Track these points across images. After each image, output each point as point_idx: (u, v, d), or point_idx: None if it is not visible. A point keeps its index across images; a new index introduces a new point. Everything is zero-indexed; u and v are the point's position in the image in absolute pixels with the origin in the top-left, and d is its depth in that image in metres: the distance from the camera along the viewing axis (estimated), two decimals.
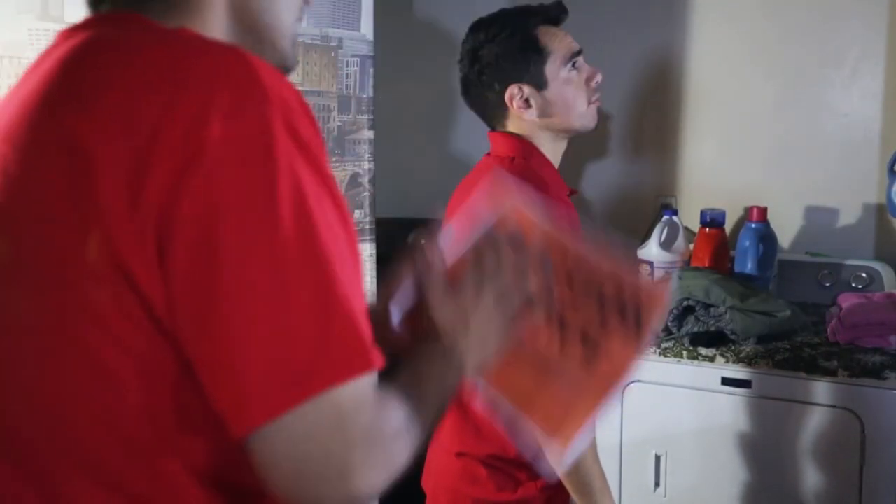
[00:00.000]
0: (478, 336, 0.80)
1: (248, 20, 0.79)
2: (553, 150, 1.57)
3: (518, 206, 0.85)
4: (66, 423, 0.66)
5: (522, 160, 1.52)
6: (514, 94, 1.53)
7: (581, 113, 1.53)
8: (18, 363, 0.68)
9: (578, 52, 1.54)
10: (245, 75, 0.65)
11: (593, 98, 1.55)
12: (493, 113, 1.59)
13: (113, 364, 0.64)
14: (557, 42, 1.52)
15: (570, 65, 1.53)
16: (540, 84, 1.52)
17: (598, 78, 1.55)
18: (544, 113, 1.53)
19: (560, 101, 1.52)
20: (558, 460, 0.77)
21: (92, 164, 0.63)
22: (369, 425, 0.63)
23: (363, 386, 0.63)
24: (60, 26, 1.68)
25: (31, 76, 0.74)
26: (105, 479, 0.66)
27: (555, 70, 1.52)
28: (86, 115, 0.65)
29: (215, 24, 0.77)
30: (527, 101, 1.53)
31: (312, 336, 0.62)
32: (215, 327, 0.61)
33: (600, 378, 0.81)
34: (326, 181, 0.66)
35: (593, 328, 0.82)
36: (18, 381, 0.68)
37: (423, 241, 0.84)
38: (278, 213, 0.62)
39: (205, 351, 0.62)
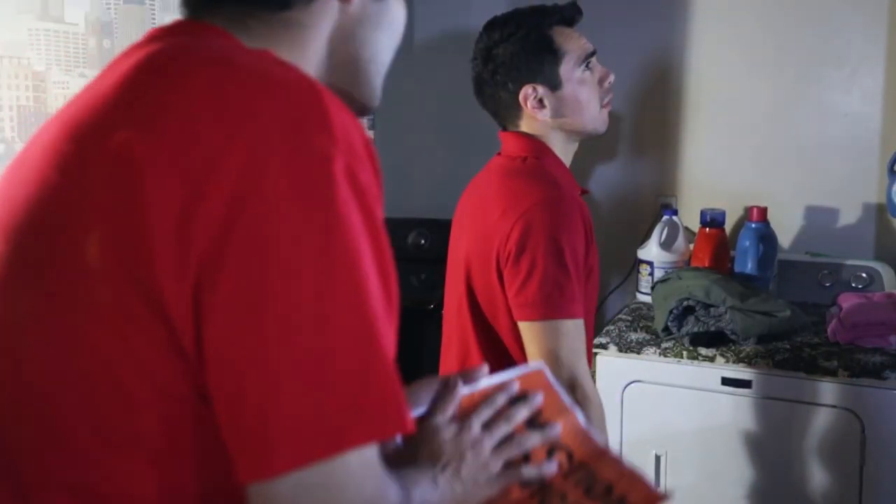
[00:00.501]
0: (467, 474, 0.79)
1: (346, 53, 0.78)
2: (565, 150, 1.57)
3: (551, 386, 0.87)
4: (78, 443, 0.65)
5: (535, 160, 1.53)
6: (528, 94, 1.53)
7: (593, 116, 1.54)
8: (35, 375, 0.66)
9: (592, 53, 1.54)
10: (315, 113, 0.63)
11: (605, 100, 1.55)
12: (505, 112, 1.59)
13: (132, 387, 0.63)
14: (572, 42, 1.52)
15: (584, 65, 1.53)
16: (554, 84, 1.52)
17: (611, 79, 1.55)
18: (557, 113, 1.53)
19: (573, 102, 1.53)
20: None
21: (142, 183, 0.61)
22: (372, 492, 0.62)
23: (374, 452, 0.62)
24: (60, 26, 1.69)
25: (109, 75, 0.72)
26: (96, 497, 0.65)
27: (569, 71, 1.52)
28: (144, 132, 0.62)
29: (310, 54, 0.75)
30: (540, 101, 1.53)
31: (350, 392, 0.60)
32: (251, 370, 0.59)
33: None
34: (377, 234, 0.64)
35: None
36: (34, 395, 0.67)
37: (453, 376, 0.84)
38: (329, 264, 0.60)
39: (233, 389, 0.60)
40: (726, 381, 1.91)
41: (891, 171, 2.18)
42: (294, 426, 0.59)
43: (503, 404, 0.83)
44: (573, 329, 1.40)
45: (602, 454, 0.84)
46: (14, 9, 1.54)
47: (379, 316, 0.62)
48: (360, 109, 0.82)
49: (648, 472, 1.99)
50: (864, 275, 2.25)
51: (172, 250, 0.60)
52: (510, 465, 0.81)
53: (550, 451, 0.83)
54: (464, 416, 0.81)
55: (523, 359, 1.42)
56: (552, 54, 1.51)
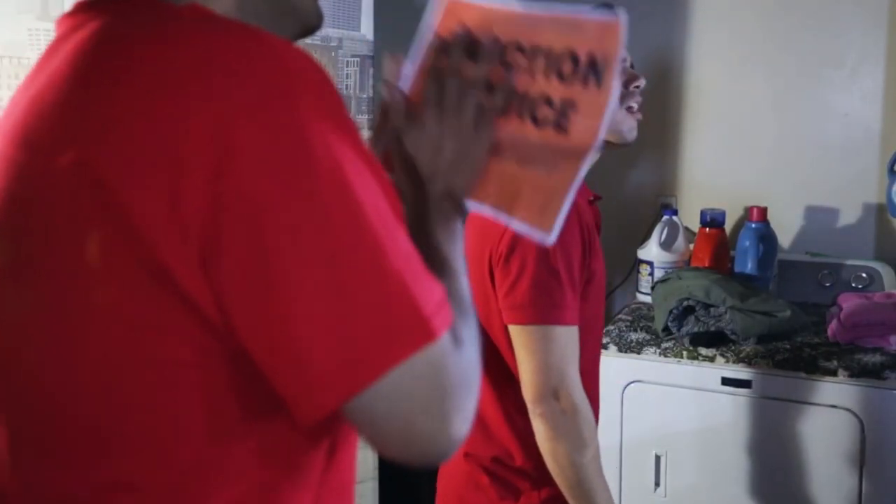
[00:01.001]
0: (457, 158, 0.79)
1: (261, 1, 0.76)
2: None
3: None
4: (119, 431, 0.66)
5: None
6: None
7: (613, 121, 1.46)
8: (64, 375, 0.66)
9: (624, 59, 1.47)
10: (268, 65, 0.63)
11: (629, 104, 1.46)
12: None
13: (165, 365, 0.64)
14: None
15: None
16: None
17: (638, 83, 1.46)
18: None
19: None
20: (546, 240, 0.77)
21: (116, 191, 0.61)
22: (450, 376, 0.65)
23: (433, 349, 0.64)
24: None
25: (41, 74, 0.71)
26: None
27: None
28: (99, 145, 0.62)
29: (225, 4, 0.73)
30: None
31: (373, 315, 0.62)
32: (277, 320, 0.61)
33: (575, 143, 0.77)
34: (363, 153, 0.65)
35: (555, 90, 0.78)
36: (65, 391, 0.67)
37: (382, 81, 0.82)
38: (322, 200, 0.61)
39: (268, 343, 0.62)
40: (726, 381, 1.91)
41: (891, 171, 2.18)
42: (330, 365, 0.61)
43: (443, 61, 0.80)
44: (563, 336, 1.35)
45: (539, 20, 0.78)
46: (14, 9, 1.54)
47: (384, 235, 0.63)
48: (303, 29, 0.79)
49: (648, 472, 1.99)
50: (864, 275, 2.25)
51: (170, 236, 0.60)
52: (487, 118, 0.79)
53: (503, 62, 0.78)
54: (417, 107, 0.80)
55: (515, 363, 1.40)
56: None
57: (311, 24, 0.79)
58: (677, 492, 2.00)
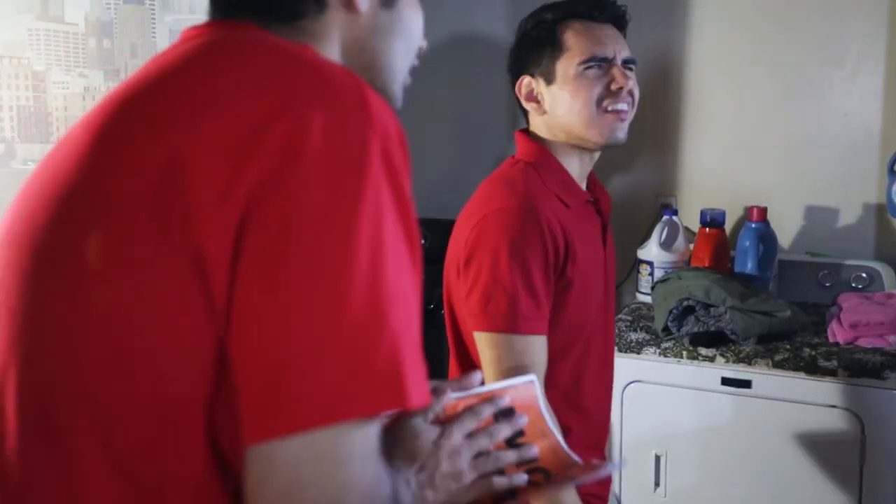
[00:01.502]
0: (440, 482, 0.79)
1: (361, 62, 0.80)
2: (569, 158, 1.48)
3: (537, 403, 0.88)
4: (114, 409, 0.66)
5: (525, 164, 1.46)
6: (521, 84, 1.47)
7: (586, 119, 1.41)
8: (82, 355, 0.67)
9: (604, 58, 1.41)
10: (355, 96, 0.67)
11: (609, 106, 1.41)
12: (519, 109, 1.53)
13: (163, 351, 0.65)
14: (581, 39, 1.41)
15: (585, 65, 1.41)
16: (549, 79, 1.44)
17: (624, 85, 1.41)
18: (552, 111, 1.44)
19: (564, 100, 1.42)
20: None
21: (188, 168, 0.63)
22: (371, 478, 0.63)
23: (375, 438, 0.63)
24: (60, 26, 1.69)
25: (151, 68, 0.74)
26: (126, 466, 0.66)
27: (567, 67, 1.41)
28: (192, 125, 0.65)
29: (331, 54, 0.79)
30: (535, 95, 1.46)
31: (356, 366, 0.62)
32: (266, 330, 0.61)
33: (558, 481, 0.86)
34: (406, 214, 0.67)
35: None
36: (77, 369, 0.68)
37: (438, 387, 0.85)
38: (355, 233, 0.63)
39: (247, 353, 0.62)
40: (726, 381, 1.91)
41: (891, 171, 2.18)
42: (298, 392, 0.60)
43: (487, 417, 0.84)
44: (517, 344, 1.33)
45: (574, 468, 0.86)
46: (14, 9, 1.54)
47: (396, 296, 0.64)
48: None
49: (648, 472, 1.99)
50: (864, 275, 2.25)
51: (219, 218, 0.62)
52: (483, 478, 0.82)
53: (529, 470, 0.85)
54: (448, 423, 0.82)
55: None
56: (552, 47, 1.43)
57: (397, 87, 0.85)
58: (677, 492, 2.00)
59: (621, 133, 1.44)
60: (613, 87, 1.41)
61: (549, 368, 1.39)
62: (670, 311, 1.98)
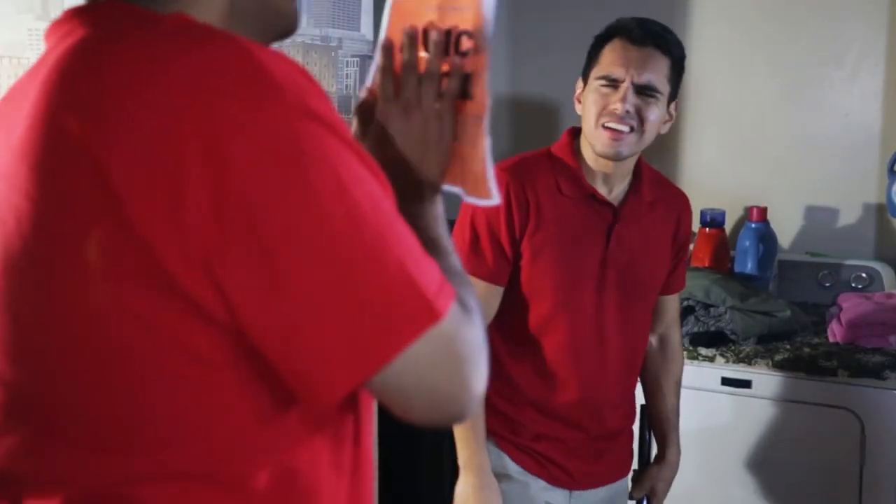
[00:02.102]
0: (428, 146, 0.84)
1: (239, 7, 0.77)
2: (586, 158, 1.58)
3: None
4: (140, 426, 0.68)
5: (546, 150, 1.62)
6: (577, 86, 1.61)
7: (590, 129, 1.54)
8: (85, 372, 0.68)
9: (614, 80, 1.51)
10: (252, 74, 0.64)
11: (602, 121, 1.51)
12: None
13: (181, 362, 0.66)
14: (607, 58, 1.54)
15: (598, 81, 1.53)
16: (585, 84, 1.58)
17: (615, 108, 1.50)
18: (581, 114, 1.58)
19: (583, 107, 1.57)
20: (491, 202, 0.84)
21: (120, 189, 0.63)
22: (464, 344, 0.69)
23: (443, 325, 0.67)
24: None
25: (31, 84, 0.72)
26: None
27: (591, 78, 1.56)
28: (106, 139, 0.64)
29: (214, 7, 0.75)
30: (578, 97, 1.60)
31: (379, 303, 0.65)
32: (287, 318, 0.64)
33: (478, 106, 0.85)
34: (353, 148, 0.68)
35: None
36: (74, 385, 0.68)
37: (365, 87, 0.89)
38: (317, 198, 0.64)
39: (280, 340, 0.65)
40: (726, 381, 1.91)
41: (891, 171, 2.18)
42: (340, 354, 0.65)
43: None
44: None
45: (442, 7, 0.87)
46: (14, 9, 1.54)
47: (382, 226, 0.66)
48: (283, 32, 0.82)
49: None
50: (864, 275, 2.25)
51: (171, 243, 0.62)
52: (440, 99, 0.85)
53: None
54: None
55: None
56: (593, 59, 1.57)
57: (291, 28, 0.82)
58: (677, 492, 1.99)
59: (612, 150, 1.52)
60: (610, 107, 1.50)
61: (533, 342, 1.55)
62: None
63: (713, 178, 2.49)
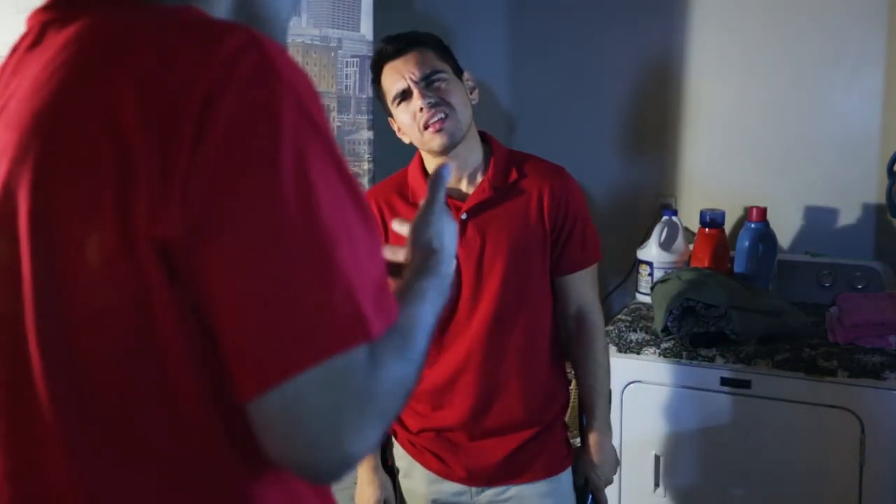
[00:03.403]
0: (443, 242, 0.91)
1: (249, 11, 0.81)
2: (428, 158, 1.67)
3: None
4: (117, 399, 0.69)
5: (405, 169, 1.73)
6: (391, 123, 1.68)
7: (418, 139, 1.61)
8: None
9: (402, 92, 1.59)
10: (259, 59, 0.67)
11: (422, 124, 1.58)
12: None
13: (152, 336, 0.67)
14: (388, 81, 1.61)
15: (395, 103, 1.61)
16: (390, 113, 1.66)
17: (418, 107, 1.58)
18: (404, 133, 1.66)
19: (403, 127, 1.63)
20: None
21: (131, 150, 0.65)
22: (362, 386, 0.66)
23: (358, 353, 0.66)
24: None
25: (33, 65, 0.74)
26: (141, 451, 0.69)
27: (391, 105, 1.63)
28: (122, 94, 0.66)
29: (220, 6, 0.78)
30: (400, 132, 1.67)
31: (311, 306, 0.65)
32: (221, 299, 0.64)
33: None
34: (335, 155, 0.69)
35: None
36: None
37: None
38: (280, 185, 0.64)
39: (218, 322, 0.65)
40: (726, 382, 1.91)
41: (891, 171, 2.17)
42: (262, 346, 0.64)
43: None
44: None
45: None
46: (14, 9, 1.53)
47: (337, 232, 0.66)
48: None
49: (648, 472, 1.99)
50: (863, 275, 2.25)
51: (167, 200, 0.64)
52: None
53: None
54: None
55: None
56: (381, 98, 1.66)
57: (283, 37, 0.86)
58: (677, 492, 2.00)
59: (442, 138, 1.58)
60: (417, 110, 1.58)
61: None
62: (670, 312, 1.98)
63: (713, 178, 2.49)
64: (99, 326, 0.68)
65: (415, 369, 0.74)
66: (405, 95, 1.59)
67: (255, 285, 0.64)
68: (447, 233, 0.92)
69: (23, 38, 0.78)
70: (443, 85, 1.58)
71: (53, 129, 0.69)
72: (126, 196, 0.65)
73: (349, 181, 0.69)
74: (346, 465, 0.67)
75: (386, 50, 1.61)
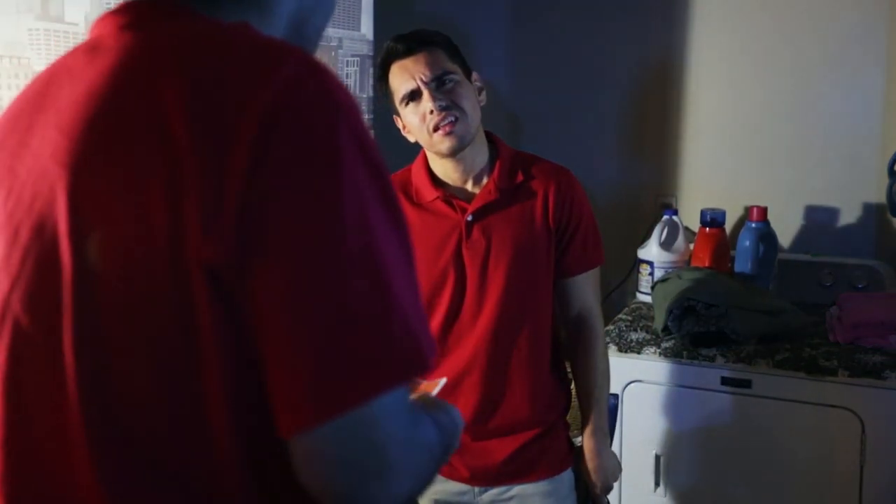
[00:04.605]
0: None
1: (302, 33, 0.82)
2: (433, 159, 1.66)
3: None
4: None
5: (418, 160, 1.70)
6: (396, 117, 1.65)
7: (427, 141, 1.59)
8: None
9: (412, 92, 1.57)
10: (316, 81, 0.66)
11: (432, 127, 1.57)
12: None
13: (194, 356, 0.66)
14: (397, 81, 1.59)
15: (403, 104, 1.59)
16: (398, 113, 1.63)
17: (430, 111, 1.56)
18: (412, 133, 1.63)
19: (411, 128, 1.61)
20: None
21: (182, 167, 0.64)
22: (408, 430, 0.67)
23: (404, 392, 0.66)
24: (60, 26, 1.69)
25: (89, 71, 0.73)
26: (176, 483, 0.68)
27: (398, 105, 1.61)
28: (182, 126, 0.65)
29: (278, 27, 0.78)
30: (406, 131, 1.64)
31: (372, 337, 0.64)
32: (274, 327, 0.63)
33: None
34: (385, 185, 0.68)
35: None
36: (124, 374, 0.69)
37: None
38: (338, 214, 0.64)
39: (268, 350, 0.64)
40: (726, 381, 1.91)
41: (891, 171, 2.17)
42: (320, 380, 0.62)
43: None
44: None
45: None
46: (14, 9, 1.54)
47: (392, 268, 0.66)
48: None
49: (648, 472, 1.99)
50: (864, 275, 2.25)
51: (215, 229, 0.63)
52: None
53: None
54: None
55: None
56: (387, 95, 1.63)
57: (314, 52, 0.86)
58: (678, 491, 2.00)
59: (451, 142, 1.57)
60: (427, 112, 1.56)
61: None
62: (670, 311, 1.98)
63: (714, 177, 2.49)
64: (138, 345, 0.67)
65: (440, 451, 0.74)
66: (414, 96, 1.57)
67: (313, 314, 0.62)
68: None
69: (85, 42, 0.77)
70: (454, 87, 1.57)
71: (104, 138, 0.69)
72: (177, 214, 0.63)
73: (396, 210, 0.69)
74: (390, 502, 0.66)
75: (396, 49, 1.59)
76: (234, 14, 0.74)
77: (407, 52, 1.58)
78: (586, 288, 1.70)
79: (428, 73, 1.56)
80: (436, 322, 1.61)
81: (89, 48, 0.76)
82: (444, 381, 1.01)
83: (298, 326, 0.62)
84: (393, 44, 1.60)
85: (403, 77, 1.57)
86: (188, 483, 0.68)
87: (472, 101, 1.59)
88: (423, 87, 1.56)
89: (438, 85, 1.56)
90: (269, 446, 0.66)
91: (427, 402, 0.82)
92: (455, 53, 1.61)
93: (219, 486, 0.68)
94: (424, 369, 0.66)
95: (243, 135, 0.63)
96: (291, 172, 0.63)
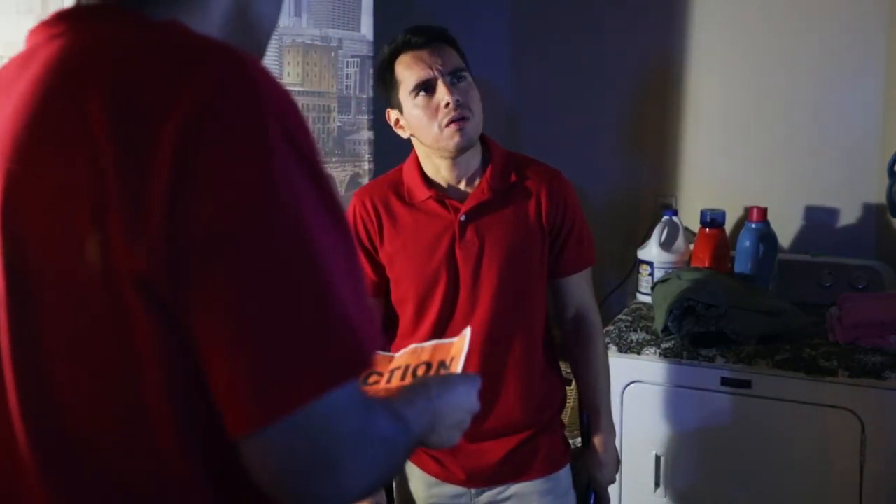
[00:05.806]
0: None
1: (247, 21, 0.79)
2: (428, 160, 1.64)
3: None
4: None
5: (409, 159, 1.69)
6: (388, 116, 1.65)
7: (434, 136, 1.56)
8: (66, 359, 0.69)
9: (424, 83, 1.55)
10: (242, 81, 0.65)
11: (445, 121, 1.55)
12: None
13: (137, 359, 0.66)
14: (407, 72, 1.57)
15: (415, 93, 1.56)
16: (400, 108, 1.61)
17: (447, 101, 1.54)
18: (413, 131, 1.61)
19: (415, 123, 1.58)
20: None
21: (105, 174, 0.63)
22: (358, 425, 0.66)
23: (354, 387, 0.66)
24: None
25: (19, 83, 0.72)
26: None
27: (406, 97, 1.58)
28: (103, 128, 0.64)
29: (213, 18, 0.76)
30: (398, 122, 1.63)
31: (313, 339, 0.63)
32: (215, 333, 0.62)
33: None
34: (321, 184, 0.67)
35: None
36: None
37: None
38: (276, 224, 0.63)
39: (209, 355, 0.63)
40: (726, 382, 1.91)
41: (891, 171, 2.17)
42: (260, 383, 0.62)
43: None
44: None
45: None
46: (14, 9, 1.54)
47: (331, 264, 0.65)
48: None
49: (648, 472, 1.99)
50: (864, 275, 2.25)
51: (142, 237, 0.62)
52: None
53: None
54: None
55: None
56: (390, 85, 1.61)
57: (268, 42, 0.84)
58: (678, 492, 2.00)
59: (461, 139, 1.56)
60: (441, 104, 1.54)
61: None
62: (670, 312, 1.98)
63: (714, 177, 2.49)
64: (76, 352, 0.67)
65: (402, 443, 0.74)
66: (428, 86, 1.55)
67: (252, 320, 0.62)
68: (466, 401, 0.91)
69: (19, 54, 0.77)
70: (467, 87, 1.57)
71: (34, 150, 0.68)
72: (102, 227, 0.63)
73: (334, 206, 0.68)
74: (343, 500, 0.66)
75: (413, 41, 1.57)
76: (162, 7, 0.72)
77: (425, 44, 1.57)
78: (582, 286, 1.70)
79: (446, 65, 1.55)
80: (428, 322, 1.60)
81: (23, 59, 0.75)
82: (468, 331, 1.01)
83: (236, 331, 0.62)
84: (409, 36, 1.58)
85: (418, 66, 1.55)
86: (134, 488, 0.68)
87: (479, 104, 1.59)
88: (440, 79, 1.54)
89: (454, 80, 1.56)
90: (222, 447, 0.65)
91: (428, 382, 0.87)
92: (463, 57, 1.61)
93: (166, 489, 0.68)
94: (366, 365, 0.66)
95: (165, 143, 0.61)
96: (218, 178, 0.62)
